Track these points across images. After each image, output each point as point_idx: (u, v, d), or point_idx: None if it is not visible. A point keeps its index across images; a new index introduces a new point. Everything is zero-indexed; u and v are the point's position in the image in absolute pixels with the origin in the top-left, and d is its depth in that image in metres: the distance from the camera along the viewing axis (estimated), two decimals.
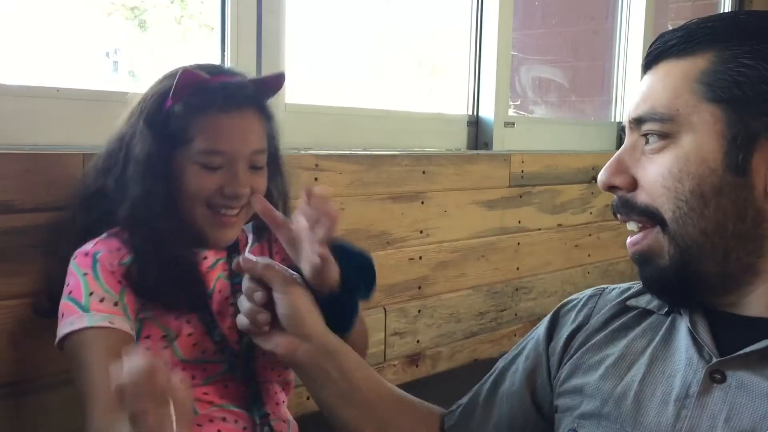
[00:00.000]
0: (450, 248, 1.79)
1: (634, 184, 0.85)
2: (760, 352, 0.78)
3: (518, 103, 2.88)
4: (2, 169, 1.05)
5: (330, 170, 1.50)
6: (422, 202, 1.71)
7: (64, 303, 0.96)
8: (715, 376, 0.80)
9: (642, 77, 0.88)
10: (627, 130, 0.88)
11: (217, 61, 1.45)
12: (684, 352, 0.84)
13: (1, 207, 1.04)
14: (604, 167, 0.87)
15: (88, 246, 0.99)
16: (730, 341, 0.81)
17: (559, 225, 2.11)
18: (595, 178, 2.22)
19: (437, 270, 1.76)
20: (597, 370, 0.90)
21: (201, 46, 1.74)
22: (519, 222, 1.98)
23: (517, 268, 1.99)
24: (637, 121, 0.85)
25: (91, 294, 0.95)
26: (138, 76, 1.76)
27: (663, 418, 0.81)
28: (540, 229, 2.05)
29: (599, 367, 0.90)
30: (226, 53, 1.44)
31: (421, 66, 2.53)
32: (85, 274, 0.97)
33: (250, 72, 1.45)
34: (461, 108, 2.01)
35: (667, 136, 0.82)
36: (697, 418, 0.79)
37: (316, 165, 1.48)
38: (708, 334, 0.83)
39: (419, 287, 1.72)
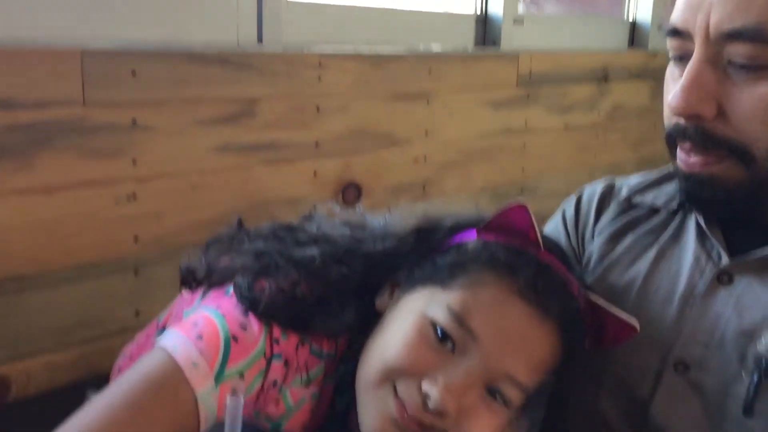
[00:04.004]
0: (455, 149, 1.78)
1: (716, 114, 0.74)
2: None
3: None
4: (2, 66, 1.04)
5: (333, 69, 1.48)
6: (427, 102, 1.69)
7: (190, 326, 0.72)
8: (722, 278, 0.79)
9: None
10: (699, 41, 0.73)
11: None
12: (692, 251, 0.83)
13: (3, 104, 1.04)
14: (684, 89, 0.74)
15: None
16: (740, 244, 0.81)
17: (567, 125, 2.10)
18: (605, 78, 2.18)
19: (442, 170, 1.76)
20: (601, 264, 0.91)
21: None
22: (525, 123, 1.96)
23: (523, 169, 1.99)
24: (728, 36, 0.71)
25: (228, 364, 0.70)
26: None
27: (666, 316, 0.81)
28: (547, 130, 2.03)
29: (603, 262, 0.91)
30: None
31: None
32: (235, 338, 0.72)
33: None
34: (469, 4, 1.95)
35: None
36: (700, 317, 0.79)
37: (320, 64, 1.46)
38: (720, 235, 0.82)
39: (423, 187, 1.73)
